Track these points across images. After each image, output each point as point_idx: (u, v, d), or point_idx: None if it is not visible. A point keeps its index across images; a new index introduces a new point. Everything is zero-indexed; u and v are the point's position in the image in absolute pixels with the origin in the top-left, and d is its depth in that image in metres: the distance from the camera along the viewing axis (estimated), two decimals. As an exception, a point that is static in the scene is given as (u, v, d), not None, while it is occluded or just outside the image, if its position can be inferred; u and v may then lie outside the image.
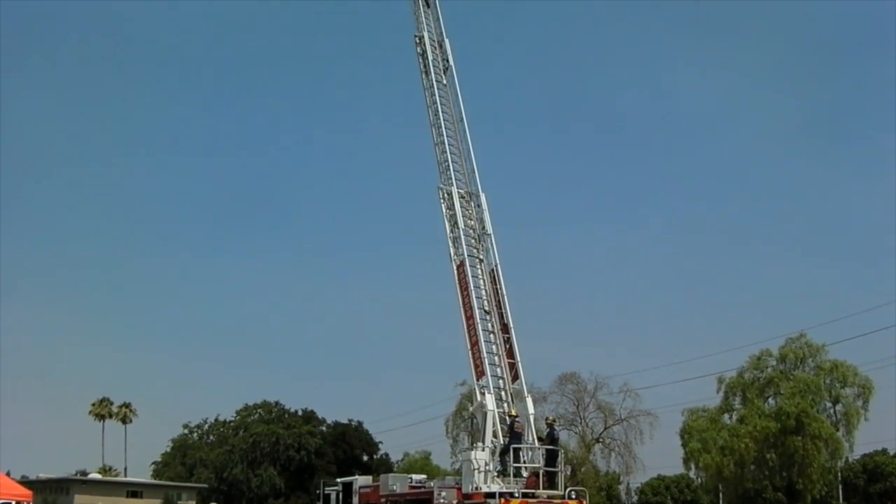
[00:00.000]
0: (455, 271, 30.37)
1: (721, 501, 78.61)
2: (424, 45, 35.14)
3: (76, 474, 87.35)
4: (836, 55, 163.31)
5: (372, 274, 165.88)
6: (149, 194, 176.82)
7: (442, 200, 31.87)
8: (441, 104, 33.78)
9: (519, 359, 28.89)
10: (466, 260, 30.05)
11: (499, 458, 26.42)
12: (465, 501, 25.83)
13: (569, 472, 32.39)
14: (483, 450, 26.71)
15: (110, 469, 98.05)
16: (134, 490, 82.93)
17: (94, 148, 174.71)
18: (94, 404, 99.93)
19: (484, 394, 27.88)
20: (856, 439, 63.98)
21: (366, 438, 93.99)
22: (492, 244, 31.14)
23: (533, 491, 25.40)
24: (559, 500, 25.76)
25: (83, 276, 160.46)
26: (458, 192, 31.94)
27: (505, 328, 29.53)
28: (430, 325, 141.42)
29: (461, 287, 29.92)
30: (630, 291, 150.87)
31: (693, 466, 65.36)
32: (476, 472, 26.05)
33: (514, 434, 26.31)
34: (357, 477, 34.48)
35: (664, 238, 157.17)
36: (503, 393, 28.69)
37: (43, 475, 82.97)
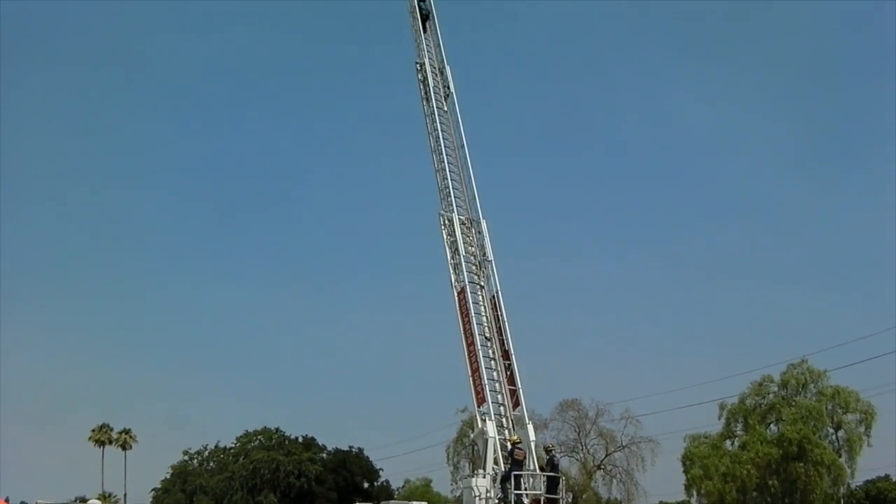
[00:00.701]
0: (456, 298, 30.36)
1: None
2: (425, 71, 35.19)
3: (75, 500, 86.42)
4: (835, 80, 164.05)
5: (373, 300, 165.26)
6: (149, 220, 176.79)
7: (443, 227, 31.87)
8: (442, 131, 33.82)
9: (520, 385, 28.81)
10: (467, 286, 30.05)
11: (500, 486, 26.30)
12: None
13: (570, 500, 32.35)
14: (484, 477, 26.67)
15: (110, 495, 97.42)
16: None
17: (94, 173, 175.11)
18: (93, 430, 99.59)
19: (485, 420, 27.81)
20: (858, 465, 63.76)
21: (366, 465, 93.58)
22: (492, 270, 31.11)
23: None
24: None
25: (83, 301, 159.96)
26: (459, 218, 31.97)
27: (506, 354, 29.46)
28: (431, 352, 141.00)
29: (462, 313, 29.90)
30: (631, 317, 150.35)
31: (695, 493, 65.04)
32: (477, 499, 26.00)
33: (514, 461, 26.24)
34: (358, 504, 34.40)
35: (665, 263, 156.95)
36: (504, 419, 28.62)
37: (42, 501, 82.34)
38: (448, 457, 75.39)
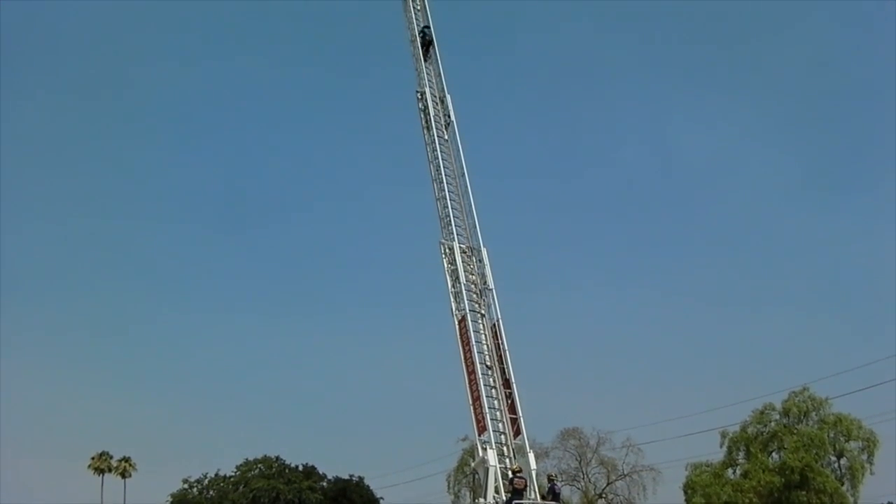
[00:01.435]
0: (457, 326, 30.35)
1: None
2: (426, 100, 35.37)
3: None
4: (835, 107, 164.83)
5: (374, 329, 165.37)
6: (149, 248, 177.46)
7: (443, 255, 31.91)
8: (443, 159, 33.93)
9: (521, 414, 28.73)
10: (468, 315, 30.04)
11: (501, 515, 26.24)
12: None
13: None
14: (485, 506, 26.56)
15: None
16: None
17: (96, 201, 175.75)
18: (93, 458, 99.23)
19: (486, 449, 27.73)
20: (861, 493, 63.52)
21: (367, 494, 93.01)
22: (493, 299, 31.11)
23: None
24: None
25: (83, 330, 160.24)
26: (460, 246, 31.99)
27: (507, 383, 29.39)
28: (431, 381, 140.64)
29: (463, 342, 29.88)
30: (632, 345, 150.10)
31: (697, 522, 64.73)
32: (479, 528, 25.88)
33: (515, 490, 26.15)
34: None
35: (666, 291, 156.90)
36: (505, 448, 28.53)
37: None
38: (449, 485, 75.25)
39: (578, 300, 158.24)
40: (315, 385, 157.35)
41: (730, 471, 65.42)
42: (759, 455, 63.14)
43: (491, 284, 31.42)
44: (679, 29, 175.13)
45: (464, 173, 33.78)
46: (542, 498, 27.46)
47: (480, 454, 28.06)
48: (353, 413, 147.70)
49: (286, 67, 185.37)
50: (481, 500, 27.08)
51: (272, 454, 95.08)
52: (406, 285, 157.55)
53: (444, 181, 33.33)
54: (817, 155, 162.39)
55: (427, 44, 36.81)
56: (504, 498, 26.57)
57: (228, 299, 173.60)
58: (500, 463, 27.62)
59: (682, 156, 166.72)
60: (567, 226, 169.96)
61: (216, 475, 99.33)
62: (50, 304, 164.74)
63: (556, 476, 31.38)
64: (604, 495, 68.57)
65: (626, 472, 68.45)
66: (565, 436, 69.48)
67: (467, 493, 70.20)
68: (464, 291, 30.61)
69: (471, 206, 33.14)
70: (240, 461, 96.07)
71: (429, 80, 36.14)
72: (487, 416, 28.16)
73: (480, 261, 32.11)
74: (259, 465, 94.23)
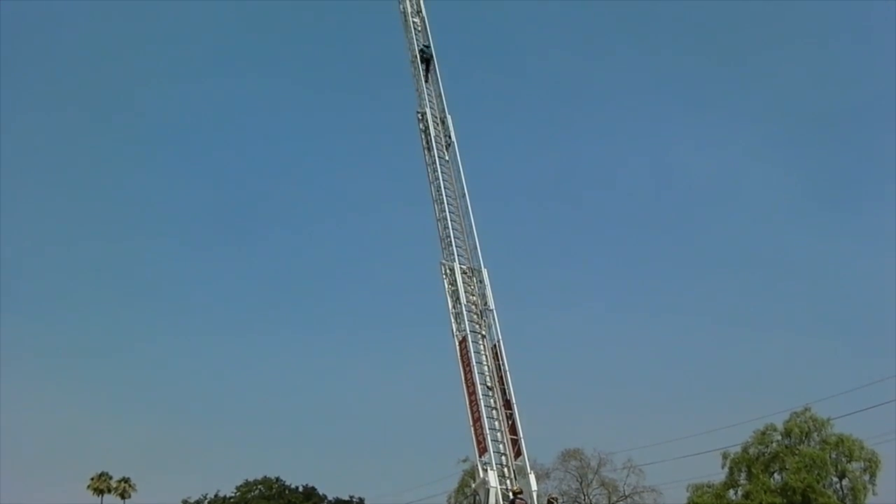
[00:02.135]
0: (457, 347, 30.24)
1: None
2: (427, 121, 35.34)
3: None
4: (836, 128, 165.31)
5: (374, 350, 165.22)
6: (147, 270, 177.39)
7: (444, 276, 31.83)
8: (443, 180, 33.89)
9: (522, 435, 28.55)
10: (469, 335, 29.94)
11: (502, 536, 26.11)
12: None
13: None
14: (485, 527, 26.43)
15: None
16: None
17: (97, 225, 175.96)
18: (92, 479, 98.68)
19: (486, 470, 27.59)
20: (863, 515, 63.18)
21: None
22: (494, 320, 31.00)
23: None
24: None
25: (81, 350, 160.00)
26: (461, 267, 31.91)
27: (507, 404, 29.24)
28: (432, 402, 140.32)
29: (463, 363, 29.78)
30: (633, 366, 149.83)
31: (699, 543, 64.50)
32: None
33: (515, 511, 26.04)
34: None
35: (667, 312, 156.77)
36: (506, 469, 28.38)
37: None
38: (449, 507, 74.79)
39: (579, 321, 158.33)
40: (315, 406, 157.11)
41: (731, 492, 65.21)
42: (761, 476, 62.95)
43: (491, 305, 31.30)
44: (680, 49, 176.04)
45: (464, 194, 33.69)
46: (544, 520, 27.36)
47: (481, 475, 27.92)
48: (353, 434, 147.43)
49: (287, 86, 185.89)
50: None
51: (272, 475, 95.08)
52: (406, 306, 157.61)
53: (445, 202, 33.24)
54: (818, 176, 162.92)
55: (426, 61, 36.88)
56: (505, 520, 26.47)
57: (228, 321, 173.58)
58: (500, 484, 27.47)
59: (683, 175, 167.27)
60: (568, 247, 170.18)
61: (216, 496, 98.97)
62: (49, 325, 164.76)
63: (558, 498, 31.14)
64: (605, 517, 68.33)
65: (627, 494, 68.26)
66: (566, 457, 69.35)
67: (468, 515, 69.96)
68: (464, 312, 30.49)
69: (471, 226, 33.02)
70: (240, 482, 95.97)
71: (429, 101, 36.16)
72: (488, 436, 28.01)
73: (481, 281, 31.95)
74: (259, 486, 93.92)
